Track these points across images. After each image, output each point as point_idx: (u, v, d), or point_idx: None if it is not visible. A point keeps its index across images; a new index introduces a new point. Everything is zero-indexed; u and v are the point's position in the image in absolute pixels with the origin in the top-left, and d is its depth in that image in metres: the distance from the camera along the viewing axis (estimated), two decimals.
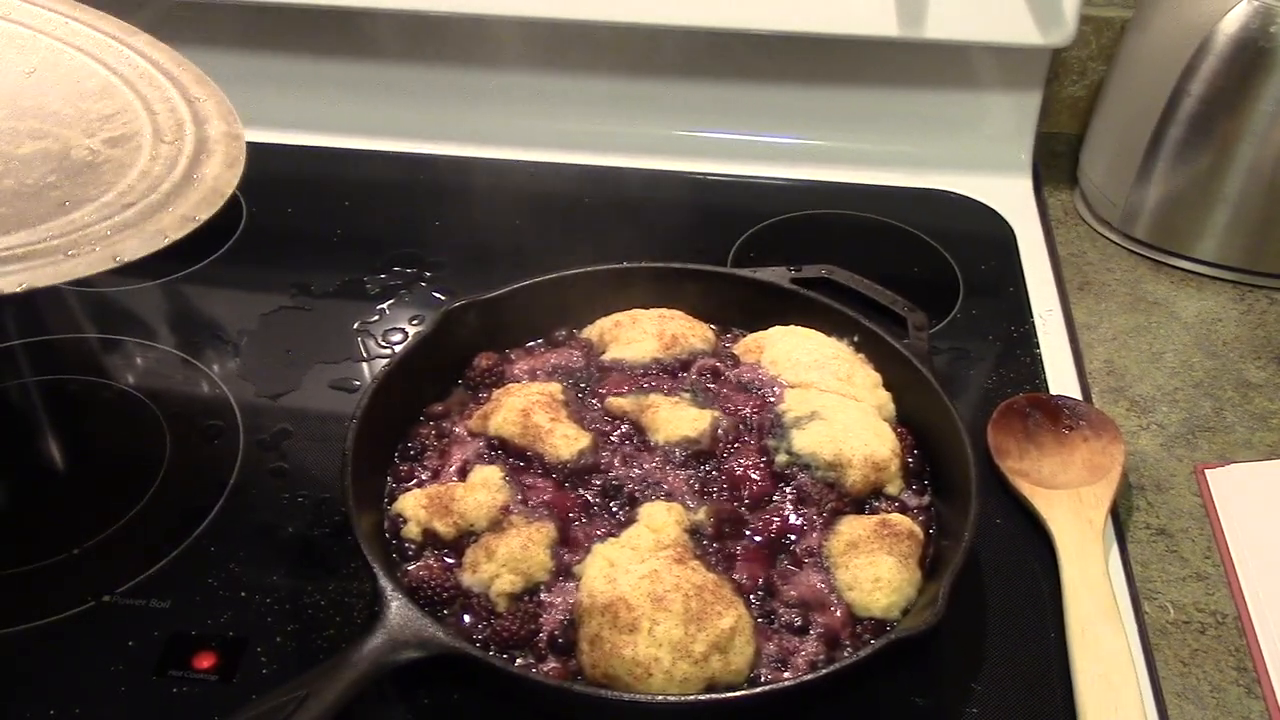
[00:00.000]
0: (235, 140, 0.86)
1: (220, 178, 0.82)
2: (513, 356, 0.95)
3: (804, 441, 0.83)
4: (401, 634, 0.69)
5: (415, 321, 1.08)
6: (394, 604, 0.70)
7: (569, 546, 0.79)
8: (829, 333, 0.95)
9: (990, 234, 1.23)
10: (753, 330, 0.97)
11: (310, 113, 1.35)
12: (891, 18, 1.19)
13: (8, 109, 0.86)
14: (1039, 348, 1.06)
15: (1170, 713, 0.77)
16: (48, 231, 0.74)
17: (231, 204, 1.20)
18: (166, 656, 0.77)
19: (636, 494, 0.82)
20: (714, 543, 0.79)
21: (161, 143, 0.83)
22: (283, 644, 0.78)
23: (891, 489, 0.84)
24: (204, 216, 0.79)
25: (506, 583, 0.76)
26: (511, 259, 1.16)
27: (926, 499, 0.85)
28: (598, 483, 0.83)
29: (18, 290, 0.68)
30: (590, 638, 0.72)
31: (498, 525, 0.79)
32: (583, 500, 0.82)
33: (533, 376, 0.92)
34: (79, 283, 1.09)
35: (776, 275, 1.00)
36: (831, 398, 0.88)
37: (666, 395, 0.89)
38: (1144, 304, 1.14)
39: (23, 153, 0.83)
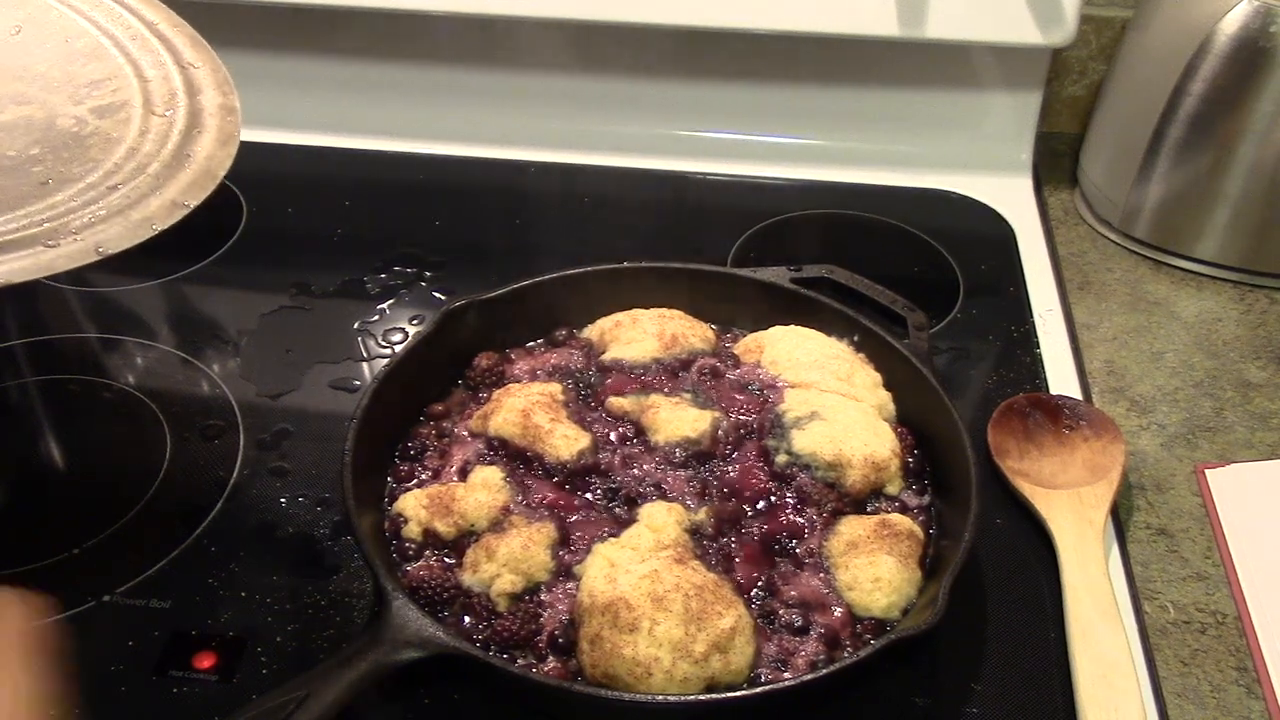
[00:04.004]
0: (230, 114, 0.81)
1: (213, 157, 0.77)
2: (513, 356, 0.95)
3: (804, 442, 0.83)
4: (401, 634, 0.69)
5: (415, 321, 1.08)
6: (394, 604, 0.70)
7: (569, 546, 0.79)
8: (829, 332, 0.95)
9: (990, 234, 1.23)
10: (753, 330, 0.97)
11: (310, 113, 1.35)
12: (892, 17, 1.19)
13: None
14: (1039, 347, 1.06)
15: (1170, 713, 0.77)
16: (27, 217, 0.69)
17: (232, 204, 1.22)
18: (166, 656, 0.77)
19: (637, 494, 0.82)
20: (714, 543, 0.79)
21: (152, 114, 0.78)
22: (283, 644, 0.78)
23: (891, 489, 0.84)
24: (194, 202, 0.73)
25: (507, 583, 0.76)
26: (511, 259, 1.16)
27: (926, 499, 0.85)
28: (598, 483, 0.83)
29: None
30: (590, 637, 0.72)
31: (498, 525, 0.79)
32: (583, 500, 0.82)
33: (533, 376, 0.92)
34: (74, 280, 1.09)
35: (777, 275, 1.00)
36: (832, 398, 0.88)
37: (667, 395, 0.89)
38: (1144, 304, 1.14)
39: (5, 120, 0.77)
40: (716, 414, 0.87)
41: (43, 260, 0.66)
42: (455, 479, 0.84)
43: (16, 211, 0.70)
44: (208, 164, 0.77)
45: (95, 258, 0.68)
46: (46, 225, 0.69)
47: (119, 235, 0.70)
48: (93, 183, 0.73)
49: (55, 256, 0.67)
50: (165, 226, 0.71)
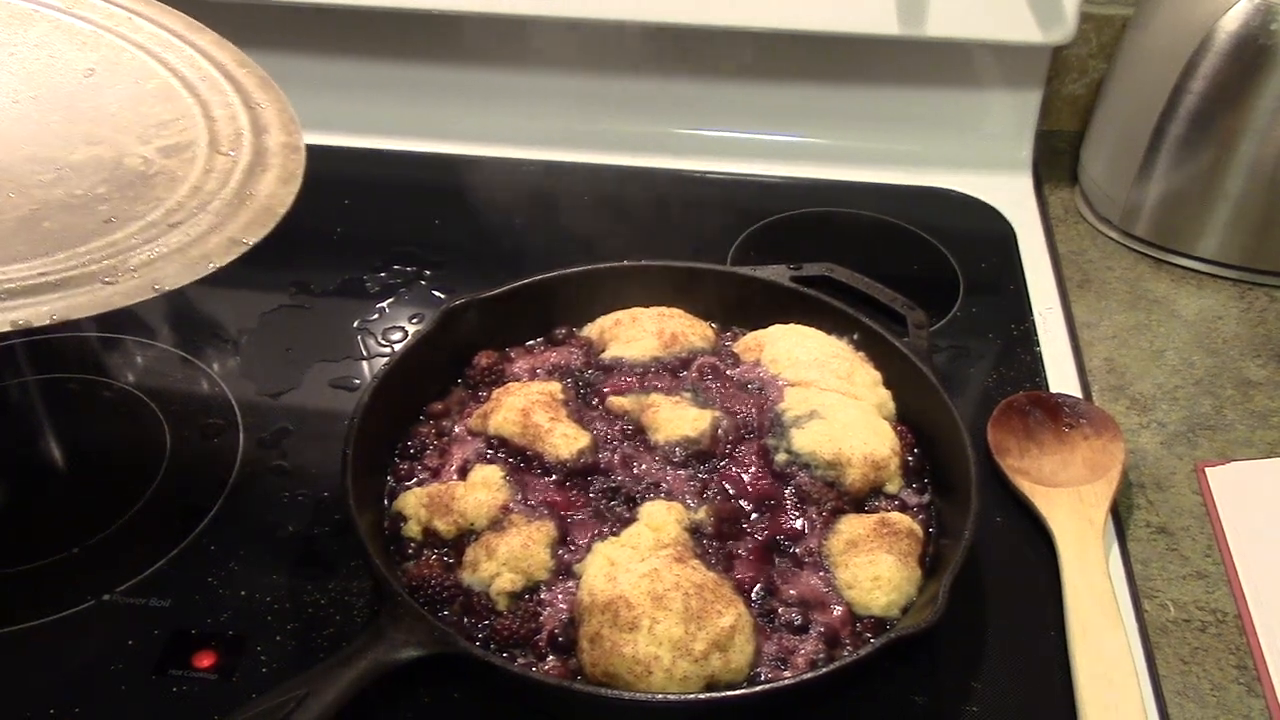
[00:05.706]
0: (294, 153, 0.83)
1: (274, 195, 0.78)
2: (512, 355, 0.95)
3: (804, 440, 0.83)
4: (401, 633, 0.69)
5: (415, 320, 1.08)
6: (394, 603, 0.70)
7: (569, 545, 0.79)
8: (829, 331, 0.95)
9: (990, 232, 1.23)
10: (753, 329, 0.97)
11: (309, 112, 1.33)
12: (892, 16, 1.19)
13: (64, 111, 0.83)
14: (1039, 345, 1.06)
15: (1170, 711, 0.77)
16: (88, 254, 0.70)
17: None
18: (166, 655, 0.77)
19: (636, 493, 0.82)
20: (714, 542, 0.79)
21: (217, 154, 0.80)
22: (283, 643, 0.78)
23: (891, 487, 0.84)
24: (253, 240, 0.74)
25: (507, 581, 0.76)
26: (512, 258, 1.16)
27: (926, 497, 0.85)
28: (598, 482, 0.83)
29: (49, 322, 0.64)
30: (590, 636, 0.72)
31: (498, 524, 0.79)
32: (583, 499, 0.82)
33: (532, 375, 0.92)
34: None
35: (777, 273, 1.00)
36: (831, 396, 0.88)
37: (667, 395, 0.89)
38: (1144, 302, 1.14)
39: (75, 159, 0.79)
40: (716, 413, 0.87)
41: (100, 297, 0.67)
42: (455, 478, 0.84)
43: (78, 249, 0.71)
44: (269, 202, 0.78)
45: (153, 294, 0.68)
46: (106, 262, 0.70)
47: (177, 272, 0.71)
48: (154, 220, 0.75)
49: (113, 293, 0.68)
50: (223, 264, 0.73)
